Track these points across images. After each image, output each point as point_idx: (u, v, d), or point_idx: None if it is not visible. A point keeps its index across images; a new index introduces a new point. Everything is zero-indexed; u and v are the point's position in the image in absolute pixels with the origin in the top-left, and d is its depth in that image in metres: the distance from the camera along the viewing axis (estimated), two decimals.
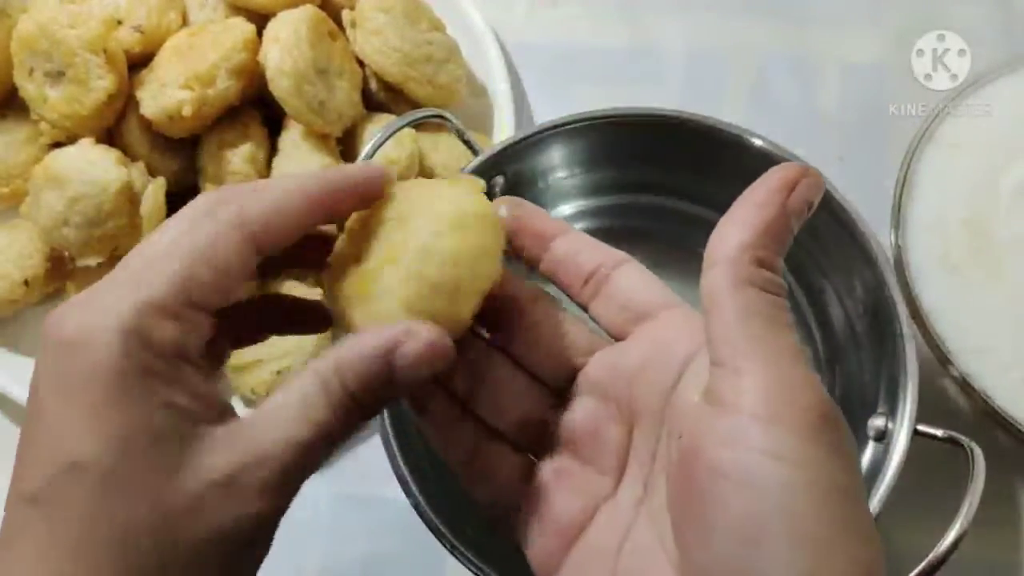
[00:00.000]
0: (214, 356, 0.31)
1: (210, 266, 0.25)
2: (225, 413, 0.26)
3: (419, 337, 0.26)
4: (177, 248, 0.25)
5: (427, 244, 0.27)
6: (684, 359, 0.27)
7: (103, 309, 0.24)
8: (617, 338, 0.29)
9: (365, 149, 0.44)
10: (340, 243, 0.30)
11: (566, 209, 0.51)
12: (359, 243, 0.29)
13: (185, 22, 0.56)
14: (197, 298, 0.25)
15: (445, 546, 0.39)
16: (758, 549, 0.21)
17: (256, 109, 0.54)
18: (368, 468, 0.53)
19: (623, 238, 0.50)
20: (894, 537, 0.43)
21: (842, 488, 0.22)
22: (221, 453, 0.25)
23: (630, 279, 0.29)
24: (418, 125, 0.51)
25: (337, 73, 0.52)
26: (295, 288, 0.53)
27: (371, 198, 0.29)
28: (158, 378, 0.24)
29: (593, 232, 0.51)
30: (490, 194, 0.48)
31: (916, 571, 0.35)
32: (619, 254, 0.30)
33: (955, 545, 0.35)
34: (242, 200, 0.26)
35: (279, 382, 0.50)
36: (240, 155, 0.51)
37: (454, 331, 0.27)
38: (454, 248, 0.27)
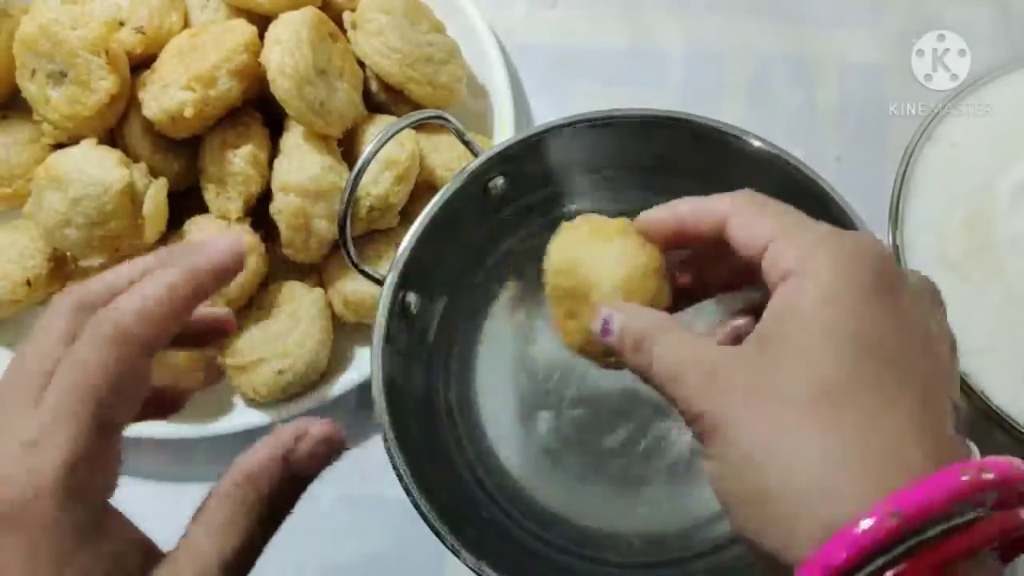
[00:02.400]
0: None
1: (114, 393, 0.26)
2: (151, 552, 0.27)
3: (311, 436, 0.27)
4: (76, 388, 0.25)
5: None
6: None
7: (26, 474, 0.24)
8: None
9: (366, 150, 0.44)
10: None
11: (566, 210, 0.51)
12: None
13: (187, 23, 0.56)
14: (110, 428, 0.26)
15: (445, 546, 0.39)
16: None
17: (258, 110, 0.54)
18: (368, 468, 0.53)
19: None
20: None
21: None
22: None
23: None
24: (418, 126, 0.51)
25: (338, 74, 0.52)
26: (296, 287, 0.53)
27: (233, 274, 0.30)
28: (91, 533, 0.25)
29: None
30: (489, 195, 0.48)
31: None
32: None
33: None
34: (114, 315, 0.27)
35: (280, 381, 0.50)
36: (242, 156, 0.51)
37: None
38: None
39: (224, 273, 0.29)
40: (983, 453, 0.37)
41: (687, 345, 0.27)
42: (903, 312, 0.26)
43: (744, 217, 0.29)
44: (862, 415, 0.24)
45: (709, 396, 0.26)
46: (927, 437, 0.24)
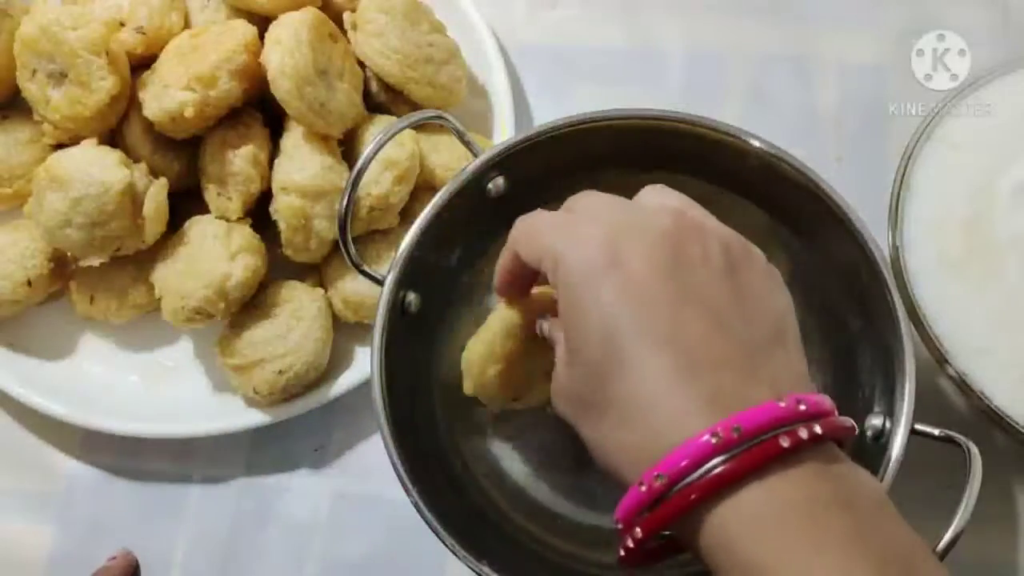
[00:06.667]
0: None
1: None
2: None
3: None
4: None
5: None
6: None
7: None
8: None
9: (366, 151, 0.44)
10: None
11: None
12: None
13: (187, 24, 0.56)
14: None
15: (446, 546, 0.39)
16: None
17: (258, 110, 0.54)
18: (368, 468, 0.53)
19: None
20: None
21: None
22: None
23: None
24: (418, 126, 0.52)
25: (338, 75, 0.53)
26: (296, 288, 0.53)
27: None
28: None
29: None
30: (488, 195, 0.48)
31: None
32: None
33: (952, 544, 0.35)
34: None
35: (280, 381, 0.50)
36: (242, 156, 0.51)
37: None
38: None
39: None
40: (983, 453, 0.37)
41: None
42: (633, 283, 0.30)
43: (522, 248, 0.35)
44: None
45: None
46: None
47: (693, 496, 0.27)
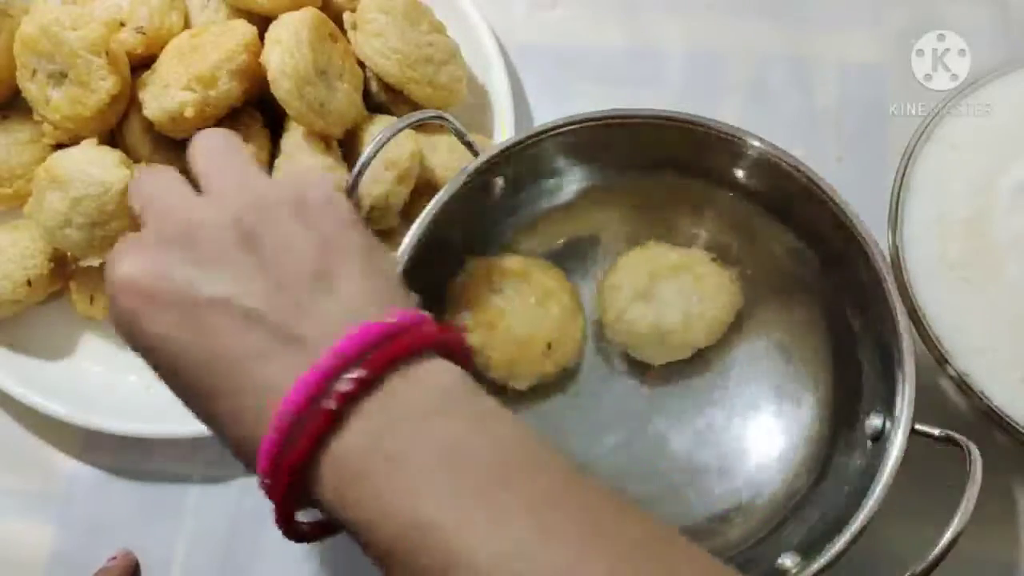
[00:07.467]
0: None
1: None
2: None
3: None
4: None
5: None
6: None
7: None
8: None
9: (366, 151, 0.44)
10: None
11: (565, 210, 0.51)
12: None
13: (187, 24, 0.56)
14: None
15: None
16: None
17: (258, 110, 0.54)
18: None
19: (623, 239, 0.50)
20: (891, 536, 0.43)
21: None
22: None
23: None
24: (418, 126, 0.52)
25: (338, 75, 0.53)
26: None
27: None
28: None
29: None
30: (490, 195, 0.48)
31: (914, 570, 0.35)
32: None
33: (952, 544, 0.35)
34: None
35: None
36: None
37: None
38: None
39: None
40: (983, 453, 0.37)
41: None
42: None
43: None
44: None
45: None
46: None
47: (325, 417, 0.28)
